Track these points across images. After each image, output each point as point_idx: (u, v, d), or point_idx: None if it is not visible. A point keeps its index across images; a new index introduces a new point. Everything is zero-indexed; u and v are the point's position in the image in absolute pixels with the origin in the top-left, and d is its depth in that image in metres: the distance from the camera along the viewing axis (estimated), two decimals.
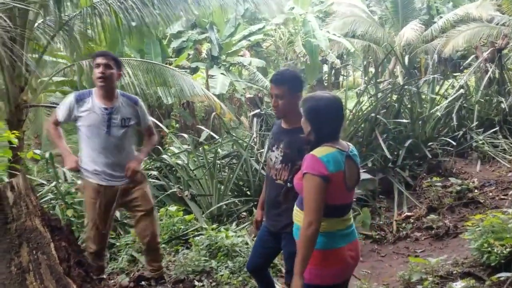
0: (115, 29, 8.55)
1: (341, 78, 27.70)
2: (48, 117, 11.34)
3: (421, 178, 5.89)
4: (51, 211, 4.28)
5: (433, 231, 4.92)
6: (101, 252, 3.52)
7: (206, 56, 14.84)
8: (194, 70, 14.95)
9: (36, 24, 7.80)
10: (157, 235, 3.45)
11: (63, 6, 7.68)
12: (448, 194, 5.52)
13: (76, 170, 3.37)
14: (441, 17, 20.25)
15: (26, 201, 3.26)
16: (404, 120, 6.16)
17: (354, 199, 5.06)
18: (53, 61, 10.99)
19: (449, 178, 5.75)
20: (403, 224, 5.14)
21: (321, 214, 2.12)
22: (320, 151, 2.18)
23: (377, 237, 4.95)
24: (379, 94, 6.31)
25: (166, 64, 13.03)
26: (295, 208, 2.38)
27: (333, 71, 25.86)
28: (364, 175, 5.33)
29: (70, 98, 3.32)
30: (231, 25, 15.70)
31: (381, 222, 5.20)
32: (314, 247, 2.14)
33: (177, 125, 12.17)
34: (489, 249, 3.57)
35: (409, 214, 5.32)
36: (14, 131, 4.31)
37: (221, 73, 13.84)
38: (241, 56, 15.69)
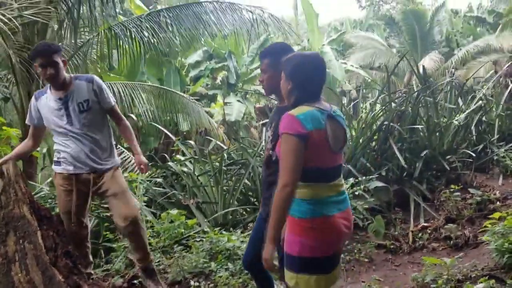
0: (132, 55, 8.55)
1: (360, 112, 27.45)
2: None
3: (439, 191, 5.57)
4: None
5: (451, 242, 4.59)
6: (82, 246, 3.33)
7: (220, 83, 14.97)
8: (212, 98, 15.06)
9: None
10: (138, 219, 3.21)
11: (78, 27, 7.78)
12: (467, 206, 5.19)
13: None
14: (460, 49, 20.11)
15: (15, 188, 3.16)
16: (420, 126, 5.91)
17: (366, 207, 4.86)
18: None
19: (469, 189, 5.43)
20: (420, 234, 4.82)
21: (297, 176, 2.00)
22: (297, 110, 2.07)
23: (391, 247, 4.64)
24: (393, 104, 6.10)
25: (184, 92, 13.18)
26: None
27: (351, 103, 25.71)
28: (376, 183, 5.10)
29: (32, 99, 3.22)
30: (250, 54, 15.87)
31: (396, 233, 4.88)
32: (287, 211, 2.02)
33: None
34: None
35: (426, 224, 5.01)
36: (15, 129, 4.27)
37: (237, 100, 13.89)
38: (258, 84, 15.80)
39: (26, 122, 3.28)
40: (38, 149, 4.69)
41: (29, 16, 6.34)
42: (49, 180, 4.31)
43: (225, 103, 13.94)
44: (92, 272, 3.43)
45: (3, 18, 5.28)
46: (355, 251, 4.40)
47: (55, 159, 3.25)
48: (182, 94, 10.26)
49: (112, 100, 3.26)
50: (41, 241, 3.03)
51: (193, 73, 15.72)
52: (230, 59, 15.39)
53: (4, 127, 3.89)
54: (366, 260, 4.31)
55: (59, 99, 3.11)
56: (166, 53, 13.80)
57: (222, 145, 6.66)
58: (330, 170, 2.13)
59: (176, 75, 14.36)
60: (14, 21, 5.70)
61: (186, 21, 7.95)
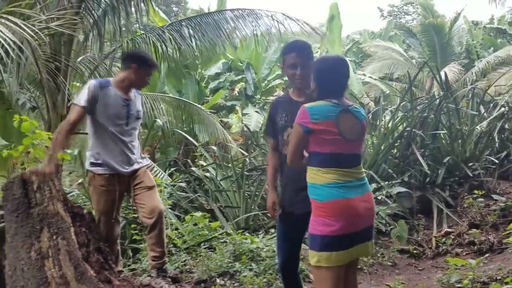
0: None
1: (378, 122, 27.31)
2: None
3: (462, 198, 5.55)
4: None
5: (475, 247, 4.59)
6: (115, 244, 3.40)
7: (238, 94, 15.12)
8: (230, 109, 15.19)
9: (79, 59, 8.10)
10: (163, 215, 3.29)
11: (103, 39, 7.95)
12: (491, 212, 5.18)
13: None
14: (481, 61, 19.92)
15: (50, 185, 3.25)
16: (442, 132, 5.91)
17: (389, 212, 4.87)
18: None
19: (493, 196, 5.40)
20: (443, 240, 4.80)
21: (296, 158, 2.41)
22: (310, 103, 2.35)
23: (414, 252, 4.64)
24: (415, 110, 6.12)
25: (203, 104, 13.36)
26: (308, 168, 2.39)
27: (370, 115, 25.59)
28: (399, 189, 5.12)
29: (93, 83, 3.22)
30: (267, 66, 16.02)
31: (419, 238, 4.88)
32: None
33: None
34: None
35: (449, 230, 4.99)
36: (48, 132, 4.40)
37: (256, 111, 13.98)
38: (276, 96, 15.91)
39: (82, 104, 3.16)
40: (69, 151, 4.80)
41: (56, 28, 6.51)
42: (79, 182, 4.43)
43: (243, 114, 14.05)
44: (123, 269, 3.51)
45: (29, 31, 5.45)
46: (378, 255, 4.41)
47: (92, 160, 3.27)
48: (199, 106, 10.41)
49: None
50: (74, 237, 3.11)
51: (212, 85, 15.90)
52: (248, 71, 15.55)
53: (37, 131, 3.99)
54: (389, 264, 4.32)
55: (126, 100, 3.27)
56: (186, 64, 14.02)
57: (243, 151, 6.74)
58: (347, 157, 2.33)
59: (196, 87, 14.57)
60: (40, 33, 5.85)
61: (207, 29, 8.06)
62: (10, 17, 5.05)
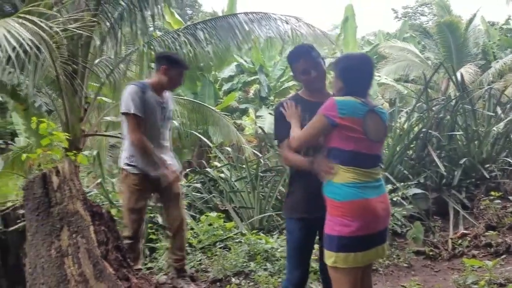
0: None
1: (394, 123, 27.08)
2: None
3: (479, 199, 5.50)
4: None
5: (492, 249, 4.54)
6: (139, 242, 3.46)
7: (253, 96, 15.16)
8: (244, 111, 15.24)
9: (96, 61, 8.20)
10: (185, 221, 3.36)
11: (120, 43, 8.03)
12: (508, 214, 5.12)
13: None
14: (498, 62, 19.65)
15: (70, 185, 3.30)
16: (458, 133, 5.86)
17: (405, 213, 4.85)
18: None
19: (510, 198, 5.34)
20: (459, 242, 4.76)
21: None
22: (340, 97, 2.31)
23: (430, 253, 4.60)
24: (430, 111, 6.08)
25: (217, 105, 13.44)
26: None
27: None
28: (415, 190, 5.09)
29: (134, 89, 3.20)
30: (280, 67, 16.05)
31: (435, 240, 4.84)
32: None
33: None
34: None
35: (465, 232, 4.94)
36: (66, 133, 4.49)
37: (269, 113, 14.00)
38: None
39: (134, 112, 3.17)
40: (87, 153, 4.89)
41: (73, 29, 6.59)
42: (97, 182, 4.51)
43: (257, 116, 14.09)
44: (142, 268, 3.56)
45: (50, 31, 5.50)
46: (394, 256, 4.40)
47: (127, 161, 3.30)
48: (213, 108, 10.48)
49: None
50: (93, 236, 3.16)
51: (226, 86, 16.00)
52: (261, 73, 15.60)
53: (54, 132, 4.07)
54: (405, 265, 4.30)
55: (161, 102, 3.30)
56: (201, 67, 14.10)
57: (257, 152, 6.77)
58: (368, 157, 2.31)
59: (211, 89, 14.66)
60: (60, 33, 5.91)
61: (221, 32, 8.11)
62: (28, 16, 5.12)
